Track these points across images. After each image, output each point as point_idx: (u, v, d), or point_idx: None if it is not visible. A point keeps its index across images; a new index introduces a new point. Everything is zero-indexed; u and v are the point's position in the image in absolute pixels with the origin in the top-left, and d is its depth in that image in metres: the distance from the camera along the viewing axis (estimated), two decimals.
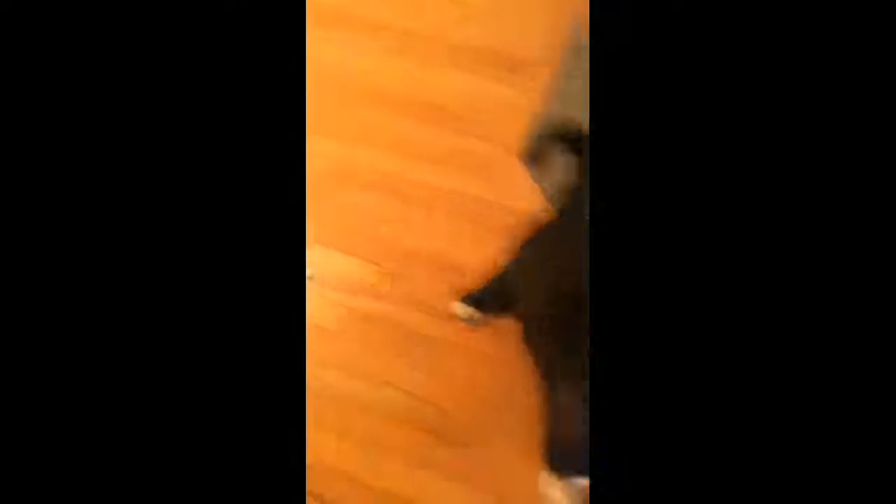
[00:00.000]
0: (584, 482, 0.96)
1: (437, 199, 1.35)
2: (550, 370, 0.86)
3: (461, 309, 1.18)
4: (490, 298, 1.14)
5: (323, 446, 1.14)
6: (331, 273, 1.28)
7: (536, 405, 0.94)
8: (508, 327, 1.13)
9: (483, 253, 1.20)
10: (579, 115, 1.38)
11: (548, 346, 0.86)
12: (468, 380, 1.16)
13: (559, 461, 0.93)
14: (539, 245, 0.95)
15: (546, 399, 0.89)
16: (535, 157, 0.95)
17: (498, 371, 1.16)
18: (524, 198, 1.31)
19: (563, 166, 0.92)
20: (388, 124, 1.44)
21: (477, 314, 1.17)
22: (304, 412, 0.79)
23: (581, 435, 0.76)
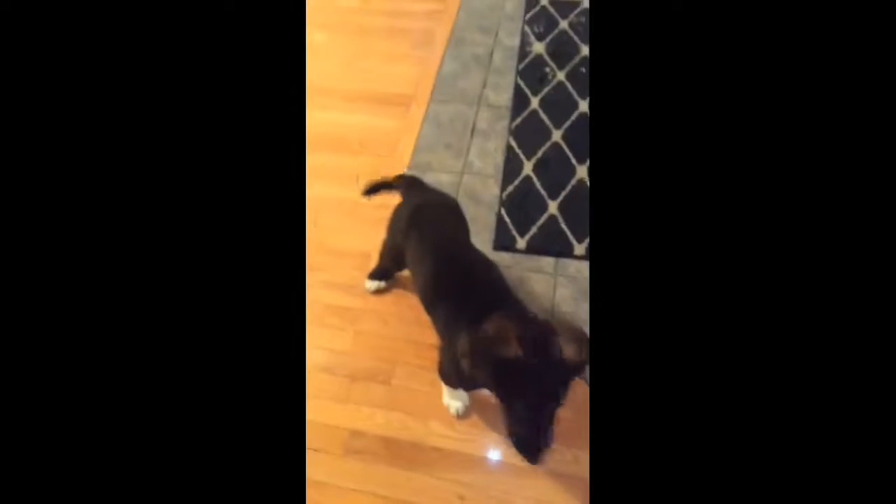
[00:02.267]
0: (465, 395, 1.32)
1: (350, 206, 1.73)
2: (444, 326, 1.15)
3: (370, 284, 1.53)
4: (384, 271, 1.50)
5: None
6: None
7: (434, 345, 1.31)
8: (405, 292, 1.52)
9: (375, 242, 1.59)
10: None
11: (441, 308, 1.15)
12: (378, 333, 1.49)
13: (452, 381, 1.24)
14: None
15: (441, 341, 1.20)
16: None
17: (400, 325, 1.50)
18: None
19: None
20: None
21: (382, 285, 1.53)
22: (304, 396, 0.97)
23: (466, 362, 0.97)
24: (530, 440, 0.93)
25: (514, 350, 0.86)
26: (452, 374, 1.18)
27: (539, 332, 0.89)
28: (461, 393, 1.31)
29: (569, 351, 0.87)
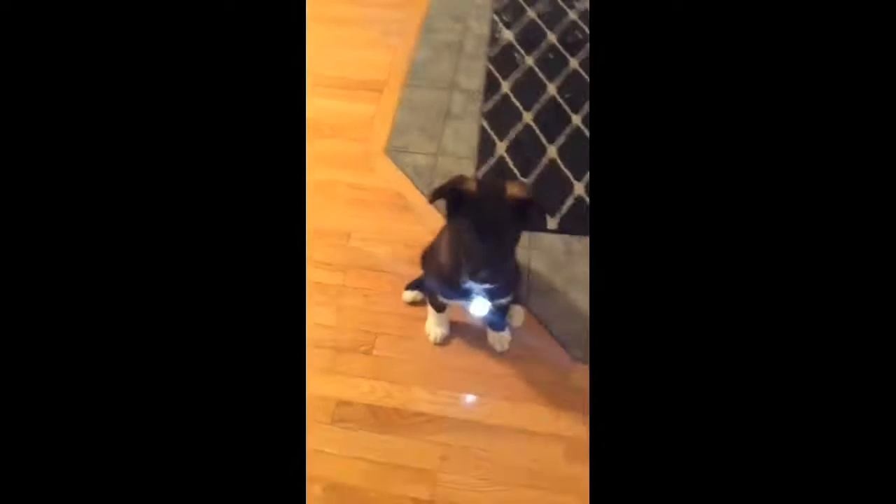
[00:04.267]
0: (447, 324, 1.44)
1: (328, 187, 1.77)
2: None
3: (408, 295, 1.53)
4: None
5: None
6: None
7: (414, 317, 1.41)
8: (384, 269, 1.56)
9: (352, 221, 1.64)
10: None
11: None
12: (360, 308, 1.54)
13: (434, 286, 1.33)
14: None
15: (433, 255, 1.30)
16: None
17: (380, 298, 1.55)
18: (385, 180, 1.77)
19: None
20: None
21: (419, 296, 1.51)
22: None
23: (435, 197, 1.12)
24: (476, 265, 1.06)
25: (471, 185, 1.08)
26: (435, 276, 1.27)
27: (492, 181, 1.09)
28: (443, 321, 1.42)
29: (513, 190, 1.08)
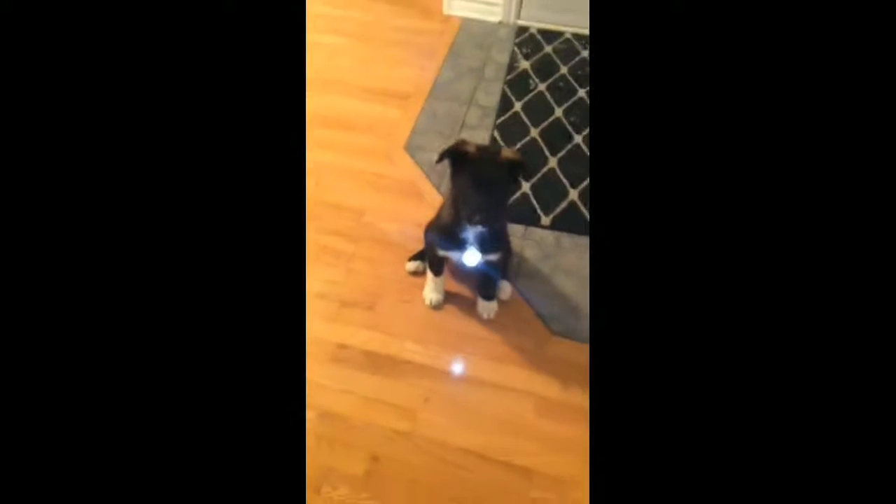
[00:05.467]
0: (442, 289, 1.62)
1: (352, 173, 2.00)
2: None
3: (410, 265, 1.74)
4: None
5: None
6: None
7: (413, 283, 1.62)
8: (391, 244, 1.77)
9: (369, 202, 1.87)
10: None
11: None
12: (367, 272, 1.73)
13: (434, 241, 1.51)
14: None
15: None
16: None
17: (386, 267, 1.74)
18: (403, 171, 2.01)
19: None
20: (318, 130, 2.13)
21: (420, 267, 1.72)
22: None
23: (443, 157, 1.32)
24: (471, 210, 1.27)
25: (471, 148, 1.30)
26: (436, 230, 1.47)
27: (489, 146, 1.33)
28: (439, 287, 1.62)
29: (507, 153, 1.31)
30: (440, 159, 1.32)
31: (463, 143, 1.32)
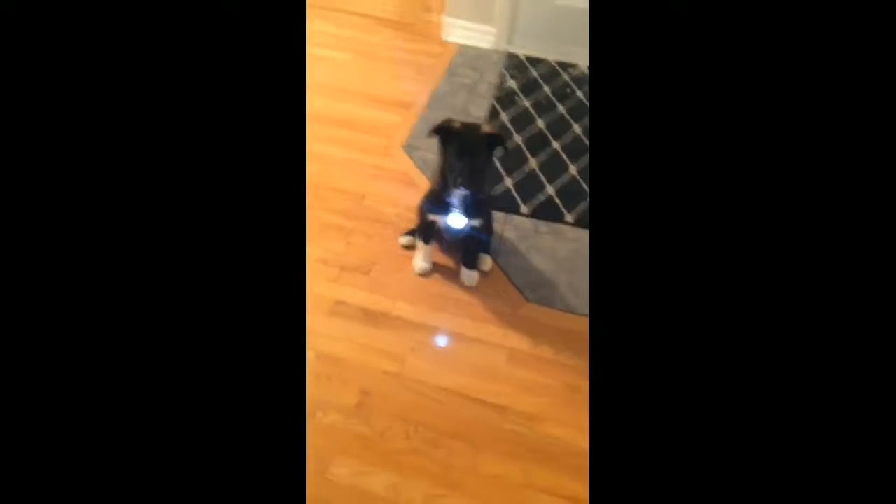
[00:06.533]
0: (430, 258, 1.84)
1: (355, 164, 2.25)
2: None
3: (403, 239, 1.97)
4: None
5: None
6: None
7: (406, 255, 1.84)
8: (387, 224, 2.00)
9: (369, 188, 2.11)
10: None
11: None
12: (365, 245, 1.95)
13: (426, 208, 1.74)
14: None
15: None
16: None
17: (382, 242, 1.96)
18: (400, 165, 2.26)
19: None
20: (327, 129, 2.39)
21: (412, 241, 1.94)
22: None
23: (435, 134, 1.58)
24: (456, 175, 1.52)
25: (457, 124, 1.55)
26: (426, 198, 1.71)
27: (472, 122, 1.62)
28: (427, 256, 1.83)
29: (486, 127, 1.58)
30: (432, 133, 1.57)
31: (449, 120, 1.58)
